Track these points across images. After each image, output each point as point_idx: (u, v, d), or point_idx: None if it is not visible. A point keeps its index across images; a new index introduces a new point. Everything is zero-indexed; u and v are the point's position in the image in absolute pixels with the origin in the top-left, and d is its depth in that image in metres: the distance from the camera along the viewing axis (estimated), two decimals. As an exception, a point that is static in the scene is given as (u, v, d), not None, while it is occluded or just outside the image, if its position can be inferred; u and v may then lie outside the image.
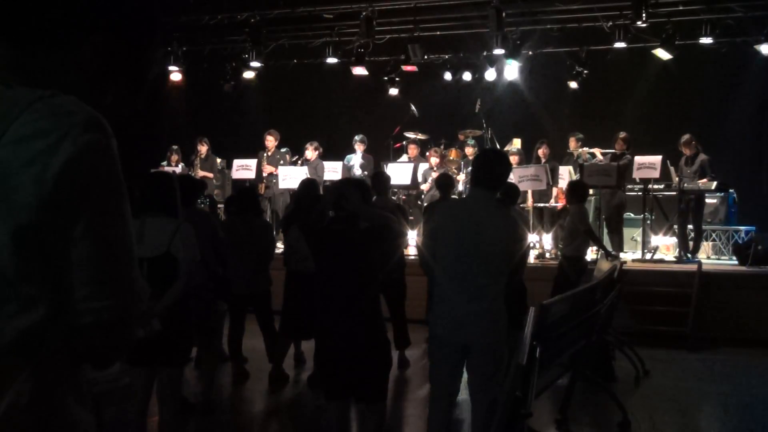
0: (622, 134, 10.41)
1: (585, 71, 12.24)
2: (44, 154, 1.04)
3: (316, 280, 4.06)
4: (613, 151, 10.41)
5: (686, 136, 9.97)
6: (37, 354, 1.09)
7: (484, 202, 3.94)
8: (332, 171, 11.18)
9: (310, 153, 11.58)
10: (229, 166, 12.07)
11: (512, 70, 12.54)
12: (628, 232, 10.73)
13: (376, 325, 3.91)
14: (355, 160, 11.63)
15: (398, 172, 10.49)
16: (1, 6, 1.13)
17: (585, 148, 10.81)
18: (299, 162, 11.65)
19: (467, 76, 12.95)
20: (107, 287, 1.13)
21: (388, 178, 7.33)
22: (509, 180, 8.96)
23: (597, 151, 10.61)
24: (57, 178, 1.04)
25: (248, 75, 13.70)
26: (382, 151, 12.16)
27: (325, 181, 10.66)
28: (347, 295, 3.84)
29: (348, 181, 4.56)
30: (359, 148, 11.68)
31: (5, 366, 1.05)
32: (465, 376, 4.04)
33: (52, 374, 1.11)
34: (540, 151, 10.75)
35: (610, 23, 11.38)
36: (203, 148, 12.18)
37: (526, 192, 10.35)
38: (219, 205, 9.33)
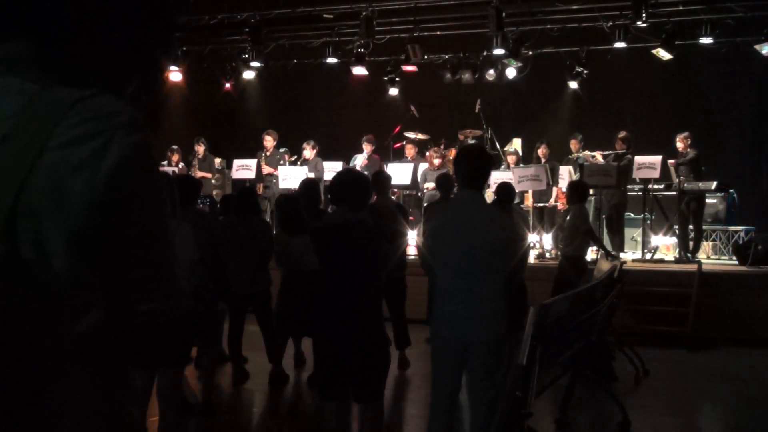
0: (622, 134, 10.40)
1: (585, 71, 12.25)
2: (94, 157, 1.02)
3: (316, 279, 4.06)
4: (614, 151, 10.41)
5: (685, 133, 10.00)
6: (96, 360, 1.08)
7: (475, 203, 3.95)
8: (332, 171, 11.16)
9: (308, 152, 11.56)
10: (229, 166, 12.08)
11: (512, 70, 12.54)
12: (628, 232, 10.72)
13: (376, 325, 3.91)
14: (359, 159, 11.60)
15: (398, 172, 10.48)
16: (24, 2, 1.10)
17: (587, 152, 10.80)
18: (298, 162, 11.65)
19: (467, 76, 12.95)
20: (158, 288, 1.11)
21: (388, 178, 7.32)
22: (505, 180, 9.03)
23: (598, 154, 10.60)
24: (108, 181, 1.02)
25: (248, 75, 13.70)
26: (382, 152, 12.16)
27: (326, 180, 10.65)
28: (348, 295, 3.84)
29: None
30: (366, 148, 11.63)
31: (68, 374, 1.04)
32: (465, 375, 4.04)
33: (110, 379, 1.11)
34: (540, 151, 10.75)
35: (610, 23, 11.38)
36: (200, 149, 12.18)
37: (526, 192, 10.34)
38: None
